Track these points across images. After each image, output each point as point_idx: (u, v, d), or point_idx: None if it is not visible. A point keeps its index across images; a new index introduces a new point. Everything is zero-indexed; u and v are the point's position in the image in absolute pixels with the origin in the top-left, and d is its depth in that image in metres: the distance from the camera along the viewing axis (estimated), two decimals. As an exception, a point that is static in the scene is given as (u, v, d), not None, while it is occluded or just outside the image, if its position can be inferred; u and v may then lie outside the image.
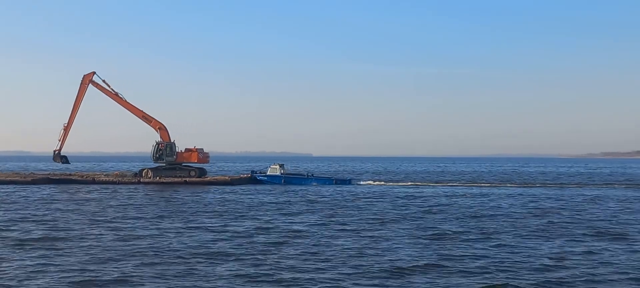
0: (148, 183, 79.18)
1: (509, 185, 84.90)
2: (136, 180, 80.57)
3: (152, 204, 50.73)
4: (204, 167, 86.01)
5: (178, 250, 27.37)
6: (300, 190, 70.23)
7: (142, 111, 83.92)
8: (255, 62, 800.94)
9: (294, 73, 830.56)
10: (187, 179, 79.73)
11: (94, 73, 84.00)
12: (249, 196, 60.50)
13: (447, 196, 62.11)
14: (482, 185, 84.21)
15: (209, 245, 29.02)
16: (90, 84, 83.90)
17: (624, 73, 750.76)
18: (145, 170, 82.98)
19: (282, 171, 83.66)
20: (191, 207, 48.05)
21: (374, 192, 68.37)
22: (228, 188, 73.38)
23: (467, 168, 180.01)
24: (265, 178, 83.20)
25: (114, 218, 40.15)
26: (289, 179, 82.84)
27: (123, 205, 49.96)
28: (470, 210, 47.13)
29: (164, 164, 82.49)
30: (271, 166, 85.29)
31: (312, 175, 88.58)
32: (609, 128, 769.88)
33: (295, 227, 36.03)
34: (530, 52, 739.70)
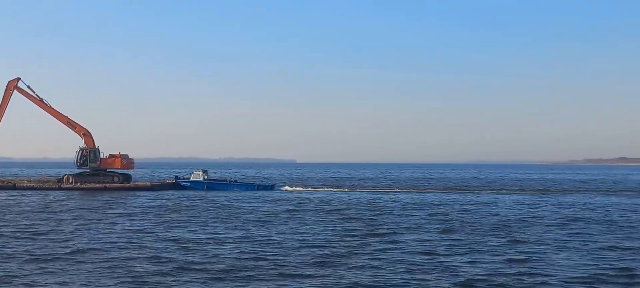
0: (69, 189, 79.55)
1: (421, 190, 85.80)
2: (57, 187, 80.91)
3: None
4: (129, 173, 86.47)
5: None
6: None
7: (66, 117, 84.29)
8: (240, 66, 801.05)
9: (281, 77, 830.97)
10: (108, 185, 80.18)
11: (19, 79, 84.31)
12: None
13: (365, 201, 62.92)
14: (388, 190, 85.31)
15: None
16: (15, 90, 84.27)
17: (606, 80, 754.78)
18: (66, 175, 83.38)
19: (205, 177, 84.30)
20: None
21: (285, 198, 69.04)
22: (153, 194, 73.44)
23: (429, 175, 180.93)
24: (189, 184, 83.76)
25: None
26: (212, 185, 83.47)
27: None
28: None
29: (88, 170, 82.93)
30: (194, 172, 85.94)
31: (236, 181, 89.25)
32: (591, 134, 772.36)
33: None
34: (514, 58, 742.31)
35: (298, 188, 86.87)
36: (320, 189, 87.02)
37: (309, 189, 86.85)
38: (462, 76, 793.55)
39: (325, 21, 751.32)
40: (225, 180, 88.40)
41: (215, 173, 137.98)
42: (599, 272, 25.51)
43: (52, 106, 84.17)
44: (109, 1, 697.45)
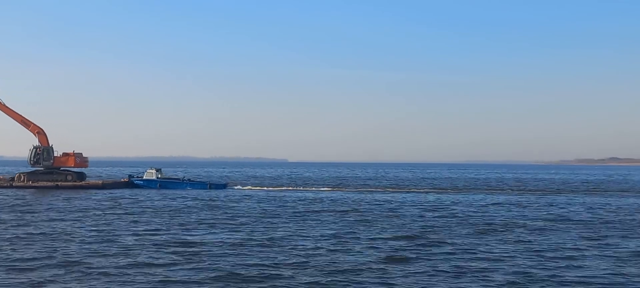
0: (20, 187, 79.81)
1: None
2: (8, 185, 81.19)
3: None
4: (83, 171, 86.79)
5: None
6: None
7: (20, 115, 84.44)
8: (232, 67, 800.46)
9: (274, 78, 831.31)
10: (59, 183, 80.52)
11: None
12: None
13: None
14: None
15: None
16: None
17: (597, 81, 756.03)
18: (18, 174, 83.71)
19: (158, 175, 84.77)
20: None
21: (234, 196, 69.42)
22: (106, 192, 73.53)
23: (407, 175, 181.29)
24: (142, 182, 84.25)
25: None
26: (165, 183, 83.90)
27: None
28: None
29: (41, 168, 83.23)
30: (147, 170, 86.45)
31: (189, 180, 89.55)
32: (582, 135, 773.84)
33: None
34: (506, 60, 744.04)
35: (250, 188, 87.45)
36: (271, 188, 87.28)
37: (266, 188, 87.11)
38: (452, 77, 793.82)
39: (319, 24, 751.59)
40: (178, 179, 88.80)
41: (207, 172, 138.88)
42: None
43: (6, 104, 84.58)
44: (116, 5, 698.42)
